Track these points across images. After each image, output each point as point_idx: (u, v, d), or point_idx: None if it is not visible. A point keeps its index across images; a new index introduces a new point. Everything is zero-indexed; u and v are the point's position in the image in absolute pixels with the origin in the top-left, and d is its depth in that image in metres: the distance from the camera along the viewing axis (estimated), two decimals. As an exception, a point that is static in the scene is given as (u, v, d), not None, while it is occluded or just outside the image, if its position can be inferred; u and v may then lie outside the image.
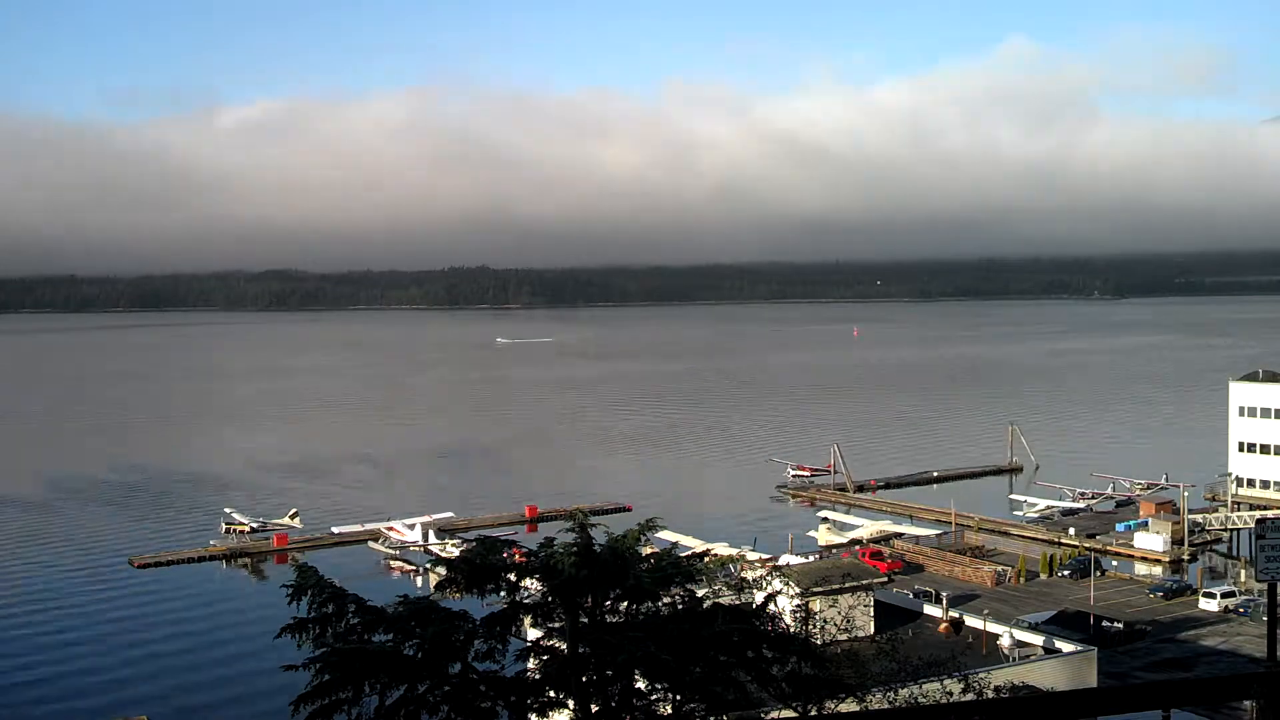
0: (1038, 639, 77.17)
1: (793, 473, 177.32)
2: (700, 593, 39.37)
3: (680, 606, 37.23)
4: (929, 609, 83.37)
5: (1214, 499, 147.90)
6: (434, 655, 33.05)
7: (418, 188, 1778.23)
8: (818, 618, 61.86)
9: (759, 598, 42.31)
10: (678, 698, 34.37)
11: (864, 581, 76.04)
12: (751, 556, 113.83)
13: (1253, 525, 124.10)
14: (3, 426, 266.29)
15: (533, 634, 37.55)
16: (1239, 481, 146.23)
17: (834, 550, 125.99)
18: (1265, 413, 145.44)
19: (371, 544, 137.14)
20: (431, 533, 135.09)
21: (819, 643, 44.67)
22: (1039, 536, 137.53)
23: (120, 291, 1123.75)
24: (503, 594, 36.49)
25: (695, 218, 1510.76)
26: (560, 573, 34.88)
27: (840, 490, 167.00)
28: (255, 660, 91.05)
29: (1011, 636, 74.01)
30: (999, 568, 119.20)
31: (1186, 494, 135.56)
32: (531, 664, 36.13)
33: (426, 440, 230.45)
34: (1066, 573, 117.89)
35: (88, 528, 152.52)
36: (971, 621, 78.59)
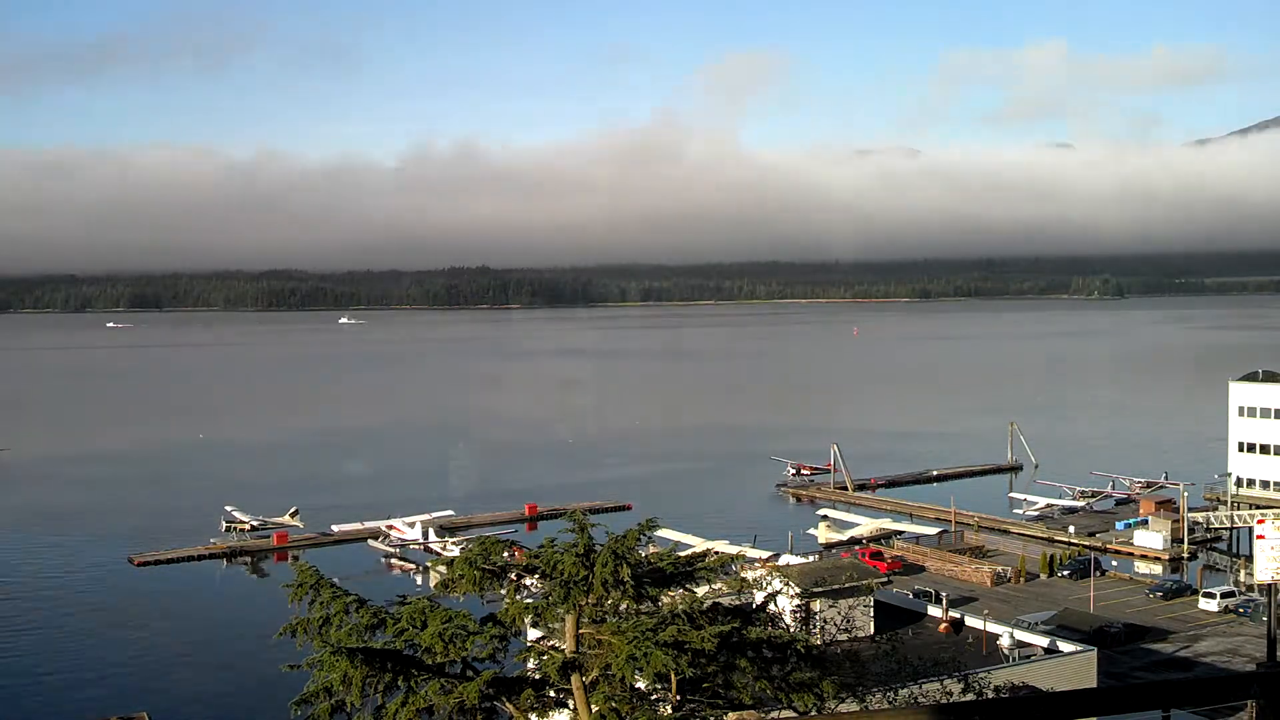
0: (1038, 639, 77.09)
1: (792, 472, 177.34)
2: (700, 592, 39.38)
3: (680, 606, 37.23)
4: (929, 609, 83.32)
5: (1215, 500, 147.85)
6: (434, 655, 33.05)
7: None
8: (818, 618, 61.92)
9: (759, 598, 42.33)
10: (678, 698, 34.38)
11: (864, 581, 75.96)
12: (751, 555, 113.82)
13: (1254, 524, 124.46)
14: (3, 425, 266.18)
15: (533, 634, 37.55)
16: (1239, 481, 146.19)
17: (834, 549, 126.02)
18: (1265, 413, 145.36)
19: (371, 542, 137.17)
20: (432, 531, 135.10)
21: (819, 643, 44.67)
22: (1039, 535, 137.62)
23: (120, 291, 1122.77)
24: (503, 593, 36.52)
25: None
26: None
27: (840, 489, 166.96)
28: (255, 659, 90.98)
29: (1011, 636, 73.93)
30: (999, 568, 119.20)
31: (1186, 493, 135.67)
32: (531, 664, 36.14)
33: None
34: (1066, 573, 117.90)
35: (87, 525, 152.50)
36: (971, 621, 78.52)
